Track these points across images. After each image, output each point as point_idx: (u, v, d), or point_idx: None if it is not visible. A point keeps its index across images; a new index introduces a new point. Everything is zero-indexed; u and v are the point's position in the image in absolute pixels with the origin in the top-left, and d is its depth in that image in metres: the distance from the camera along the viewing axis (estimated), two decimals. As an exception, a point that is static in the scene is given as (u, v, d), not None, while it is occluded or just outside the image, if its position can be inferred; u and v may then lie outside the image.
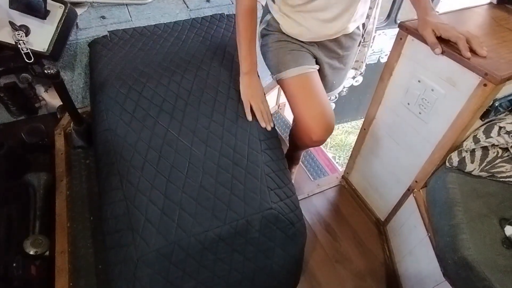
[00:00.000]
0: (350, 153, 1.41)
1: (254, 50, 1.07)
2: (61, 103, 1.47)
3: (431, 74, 0.91)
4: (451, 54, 0.82)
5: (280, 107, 2.18)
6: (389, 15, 2.11)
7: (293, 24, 1.07)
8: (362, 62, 1.39)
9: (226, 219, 0.81)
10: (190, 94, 1.06)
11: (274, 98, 2.12)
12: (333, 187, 1.50)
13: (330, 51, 1.14)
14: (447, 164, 0.93)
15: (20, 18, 1.13)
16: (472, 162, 0.89)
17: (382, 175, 1.25)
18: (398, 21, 2.18)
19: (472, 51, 0.79)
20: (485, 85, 0.76)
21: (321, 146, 2.18)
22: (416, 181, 1.06)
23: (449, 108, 0.88)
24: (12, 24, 1.10)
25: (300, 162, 1.58)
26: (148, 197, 0.83)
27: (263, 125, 1.03)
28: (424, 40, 0.87)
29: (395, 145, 1.13)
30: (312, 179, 1.55)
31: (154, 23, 1.39)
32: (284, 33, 1.11)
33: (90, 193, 1.19)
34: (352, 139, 3.07)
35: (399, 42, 0.97)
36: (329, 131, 1.08)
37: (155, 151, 0.91)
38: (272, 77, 1.17)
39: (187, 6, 1.53)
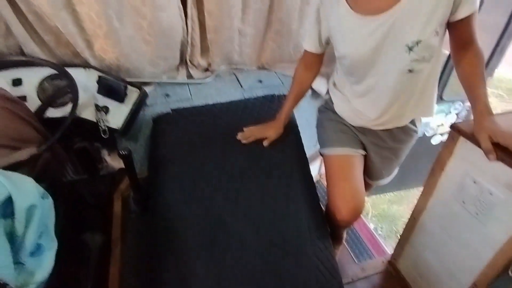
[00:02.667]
0: (398, 237, 1.36)
1: (291, 103, 1.27)
2: (121, 167, 1.62)
3: (488, 177, 0.89)
4: (509, 162, 0.81)
5: (321, 177, 2.20)
6: (434, 92, 2.13)
7: (344, 106, 1.17)
8: None
9: None
10: (244, 177, 1.13)
11: (317, 167, 2.16)
12: (379, 273, 1.42)
13: (380, 139, 1.17)
14: (510, 273, 0.87)
15: (103, 100, 1.32)
16: (541, 276, 0.82)
17: (436, 269, 1.17)
18: (444, 98, 2.21)
19: (533, 162, 0.79)
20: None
21: (362, 216, 2.12)
22: (475, 284, 0.99)
23: (510, 215, 0.84)
24: (96, 106, 1.29)
25: (344, 242, 1.54)
26: (202, 282, 0.86)
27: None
28: (478, 144, 0.87)
29: (450, 240, 1.08)
30: (356, 262, 1.50)
31: (211, 102, 1.53)
32: (337, 114, 1.21)
33: (140, 262, 1.24)
34: (396, 209, 2.94)
35: (451, 141, 0.98)
36: (355, 214, 1.09)
37: (210, 234, 0.96)
38: (319, 150, 1.25)
39: (241, 86, 1.67)
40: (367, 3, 0.91)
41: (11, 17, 1.18)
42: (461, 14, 0.86)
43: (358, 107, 1.12)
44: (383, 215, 2.84)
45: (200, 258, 0.90)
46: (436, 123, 2.32)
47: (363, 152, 1.20)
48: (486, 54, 2.07)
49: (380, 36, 0.91)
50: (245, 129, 1.30)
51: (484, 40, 2.10)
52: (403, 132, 1.15)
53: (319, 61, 1.22)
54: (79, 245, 1.36)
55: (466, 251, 1.02)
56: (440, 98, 2.20)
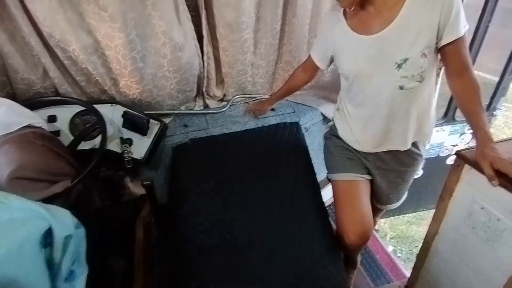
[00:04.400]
0: (414, 262, 1.36)
1: (282, 91, 1.53)
2: (142, 193, 1.71)
3: (495, 203, 0.91)
4: (511, 188, 0.84)
5: (336, 199, 2.21)
6: (446, 114, 2.15)
7: (347, 130, 1.22)
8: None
9: None
10: (258, 203, 1.19)
11: (330, 191, 2.18)
12: (396, 298, 1.42)
13: (383, 163, 1.21)
14: (525, 299, 0.87)
15: (127, 133, 1.43)
16: (554, 303, 0.82)
17: (451, 294, 1.17)
18: (457, 118, 2.22)
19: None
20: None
21: (379, 238, 2.11)
22: (490, 311, 0.99)
23: (519, 241, 0.86)
24: (121, 138, 1.40)
25: (359, 265, 1.54)
26: None
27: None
28: (482, 171, 0.91)
29: (463, 266, 1.08)
30: (372, 286, 1.50)
31: (227, 131, 1.62)
32: (341, 139, 1.26)
33: (161, 286, 1.30)
34: (415, 230, 2.89)
35: (456, 168, 1.01)
36: (363, 238, 1.13)
37: (227, 261, 1.01)
38: (326, 175, 1.31)
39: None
40: (364, 25, 1.05)
41: (49, 62, 1.33)
42: (446, 40, 0.96)
43: (356, 126, 1.19)
44: (402, 236, 2.80)
45: (218, 285, 0.96)
46: (451, 143, 2.33)
47: (369, 177, 1.24)
48: (500, 68, 2.09)
49: (374, 52, 1.03)
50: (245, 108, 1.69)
51: (499, 54, 2.12)
52: (407, 156, 1.19)
53: (315, 73, 1.41)
54: (105, 269, 1.43)
55: (480, 277, 1.02)
56: (453, 119, 2.21)
